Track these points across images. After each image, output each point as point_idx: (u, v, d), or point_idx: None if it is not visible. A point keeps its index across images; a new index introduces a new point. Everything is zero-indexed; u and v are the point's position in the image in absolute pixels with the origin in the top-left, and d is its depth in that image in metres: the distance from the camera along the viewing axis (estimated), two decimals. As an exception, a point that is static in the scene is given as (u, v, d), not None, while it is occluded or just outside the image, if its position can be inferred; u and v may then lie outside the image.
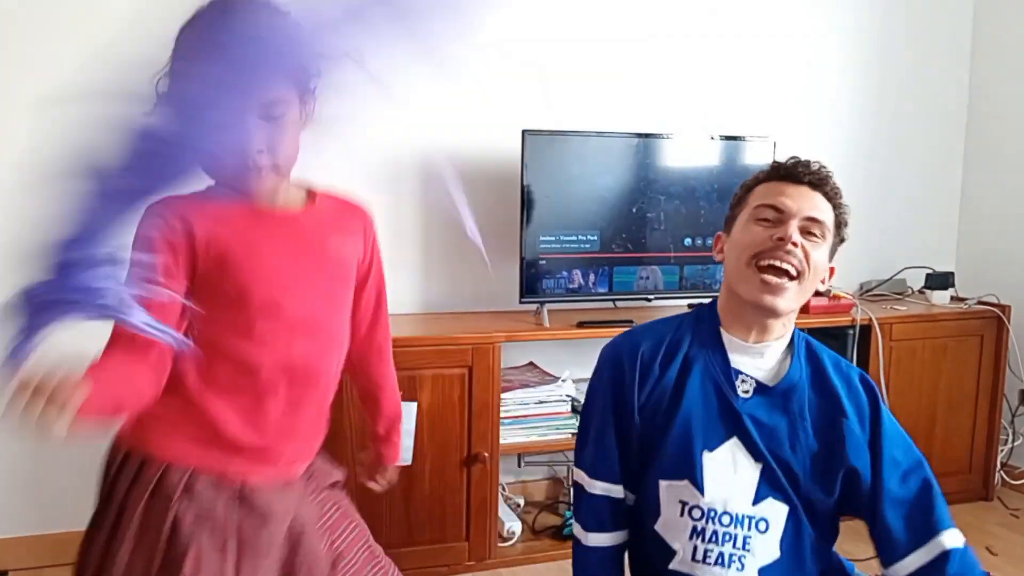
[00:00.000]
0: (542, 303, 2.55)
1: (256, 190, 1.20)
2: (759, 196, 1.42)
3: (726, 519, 1.38)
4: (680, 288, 2.68)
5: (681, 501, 1.39)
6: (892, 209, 3.20)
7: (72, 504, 2.42)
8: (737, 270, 1.40)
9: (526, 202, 2.47)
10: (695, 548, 1.37)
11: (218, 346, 1.20)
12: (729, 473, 1.38)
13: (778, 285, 1.36)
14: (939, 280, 3.03)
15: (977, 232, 3.28)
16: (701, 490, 1.37)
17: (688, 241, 2.65)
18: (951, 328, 2.86)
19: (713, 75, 2.90)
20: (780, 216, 1.38)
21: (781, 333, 1.42)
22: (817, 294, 1.46)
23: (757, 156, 2.70)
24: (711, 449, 1.38)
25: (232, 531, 1.19)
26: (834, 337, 2.70)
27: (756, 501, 1.38)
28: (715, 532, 1.38)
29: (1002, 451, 3.03)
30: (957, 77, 3.26)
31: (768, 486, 1.38)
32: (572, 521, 1.56)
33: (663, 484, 1.40)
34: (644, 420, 1.42)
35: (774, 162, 1.46)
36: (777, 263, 1.36)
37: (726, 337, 1.43)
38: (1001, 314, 2.89)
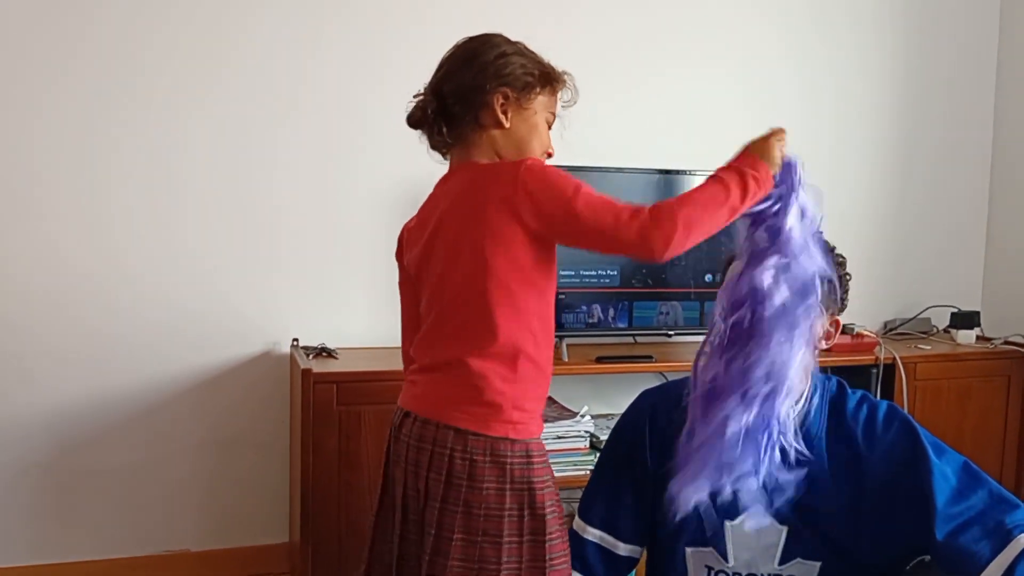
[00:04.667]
0: (561, 337, 2.54)
1: None
2: None
3: None
4: (700, 324, 2.66)
5: (707, 566, 1.40)
6: (917, 247, 3.17)
7: (96, 532, 2.44)
8: None
9: (546, 237, 2.47)
10: None
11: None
12: (753, 539, 1.36)
13: None
14: (965, 319, 2.99)
15: (1003, 271, 3.23)
16: (726, 558, 1.38)
17: (709, 277, 2.64)
18: (977, 368, 2.81)
19: (735, 110, 2.91)
20: None
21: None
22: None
23: (779, 193, 2.69)
24: (732, 518, 1.36)
25: None
26: (857, 376, 2.66)
27: (783, 561, 1.37)
28: None
29: (1031, 495, 2.96)
30: (982, 115, 3.24)
31: (796, 546, 1.36)
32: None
33: (689, 550, 1.41)
34: (658, 483, 1.40)
35: None
36: None
37: None
38: (1028, 355, 2.85)
